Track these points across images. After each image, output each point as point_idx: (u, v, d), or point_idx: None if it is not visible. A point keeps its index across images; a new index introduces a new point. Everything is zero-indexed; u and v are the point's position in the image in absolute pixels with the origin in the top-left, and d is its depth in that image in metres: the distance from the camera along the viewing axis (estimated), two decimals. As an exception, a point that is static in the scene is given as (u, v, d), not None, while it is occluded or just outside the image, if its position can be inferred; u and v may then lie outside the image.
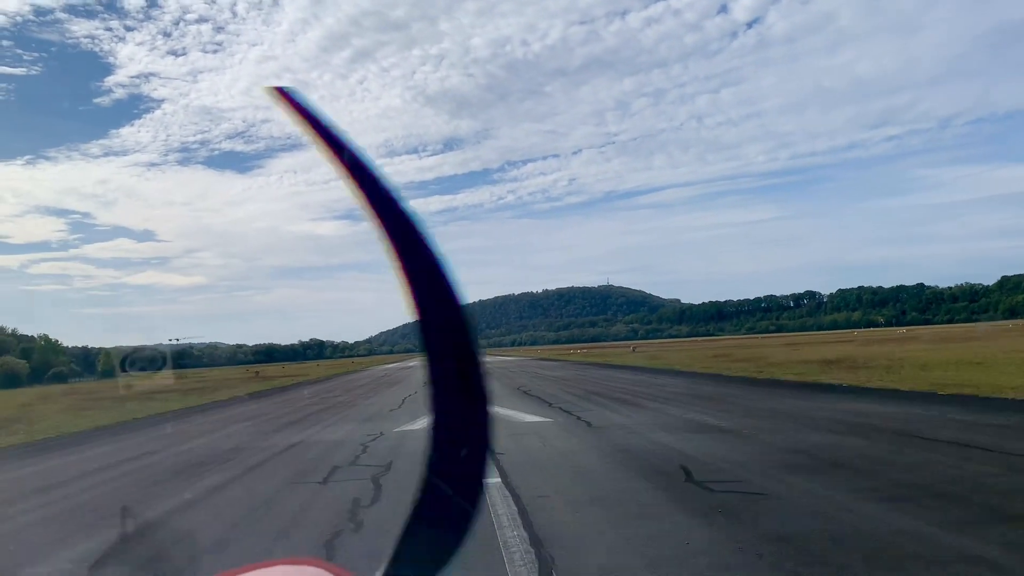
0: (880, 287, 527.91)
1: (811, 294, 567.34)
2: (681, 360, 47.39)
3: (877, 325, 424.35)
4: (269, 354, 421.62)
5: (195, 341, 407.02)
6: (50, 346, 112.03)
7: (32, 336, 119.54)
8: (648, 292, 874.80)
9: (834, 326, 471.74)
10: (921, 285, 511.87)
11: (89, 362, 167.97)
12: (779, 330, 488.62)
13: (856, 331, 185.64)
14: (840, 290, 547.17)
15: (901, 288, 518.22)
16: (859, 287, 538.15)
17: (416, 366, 72.37)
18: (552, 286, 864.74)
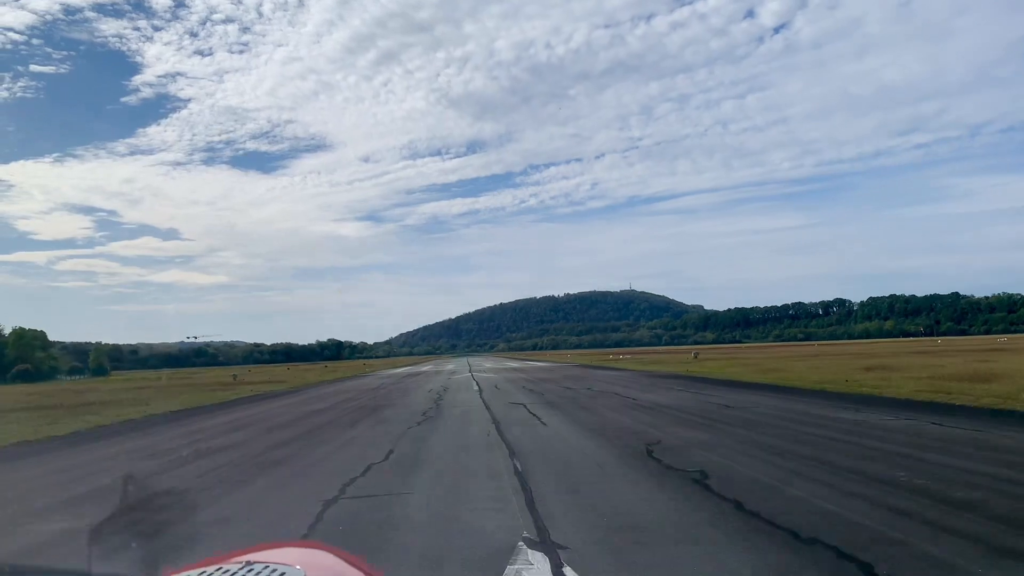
0: (913, 295, 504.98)
1: (841, 302, 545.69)
2: (817, 375, 30.58)
3: (912, 335, 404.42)
4: (287, 354, 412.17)
5: (213, 339, 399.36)
6: (23, 339, 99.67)
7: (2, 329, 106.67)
8: (671, 298, 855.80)
9: (865, 335, 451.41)
10: (956, 294, 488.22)
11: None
12: (808, 338, 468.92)
13: (910, 340, 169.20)
14: (871, 298, 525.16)
15: (935, 297, 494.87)
16: (891, 295, 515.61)
17: (430, 370, 60.32)
18: (574, 290, 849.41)
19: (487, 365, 67.94)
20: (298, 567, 1.11)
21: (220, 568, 1.07)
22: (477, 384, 34.49)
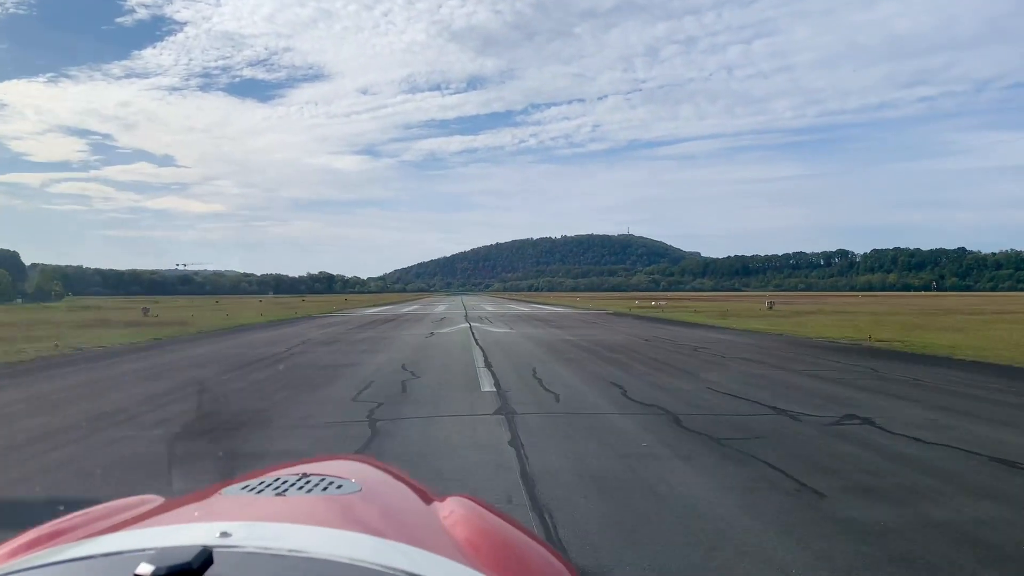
0: (918, 249, 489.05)
1: (843, 252, 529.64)
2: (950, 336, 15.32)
3: (915, 288, 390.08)
4: (276, 285, 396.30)
5: (199, 268, 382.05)
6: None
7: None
8: (668, 244, 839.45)
9: (868, 288, 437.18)
10: (962, 249, 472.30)
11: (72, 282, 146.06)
12: (808, 289, 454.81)
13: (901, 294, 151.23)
14: (875, 250, 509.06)
15: (940, 252, 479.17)
16: (895, 248, 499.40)
17: (411, 313, 43.07)
18: (571, 232, 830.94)
19: (488, 309, 50.41)
20: (353, 480, 1.13)
21: (278, 479, 1.10)
22: (486, 362, 14.98)
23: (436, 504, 1.15)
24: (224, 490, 1.06)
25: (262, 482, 1.09)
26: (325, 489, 1.07)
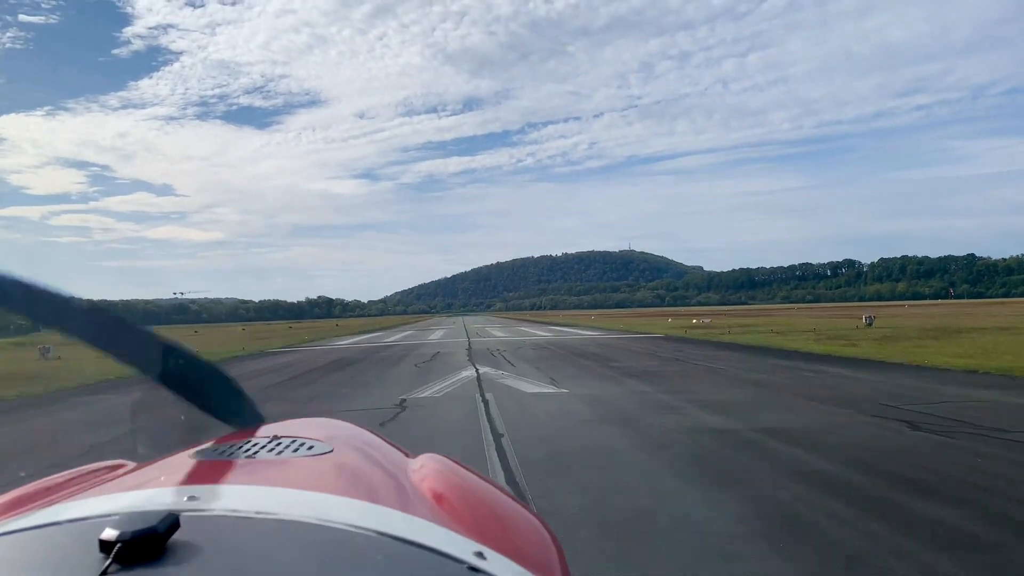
0: (926, 257, 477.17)
1: (850, 263, 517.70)
2: None
3: (925, 297, 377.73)
4: (274, 311, 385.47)
5: (197, 296, 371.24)
6: None
7: None
8: (670, 258, 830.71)
9: (878, 297, 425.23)
10: (972, 256, 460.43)
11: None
12: (816, 300, 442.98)
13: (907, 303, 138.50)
14: (882, 259, 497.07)
15: (950, 259, 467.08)
16: (903, 256, 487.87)
17: (399, 343, 31.43)
18: (572, 250, 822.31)
19: (498, 335, 38.55)
20: (325, 441, 1.09)
21: (248, 440, 1.06)
22: None
23: (409, 462, 1.11)
24: (193, 453, 1.01)
25: (232, 445, 1.04)
26: (296, 451, 1.03)
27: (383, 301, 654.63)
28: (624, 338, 31.33)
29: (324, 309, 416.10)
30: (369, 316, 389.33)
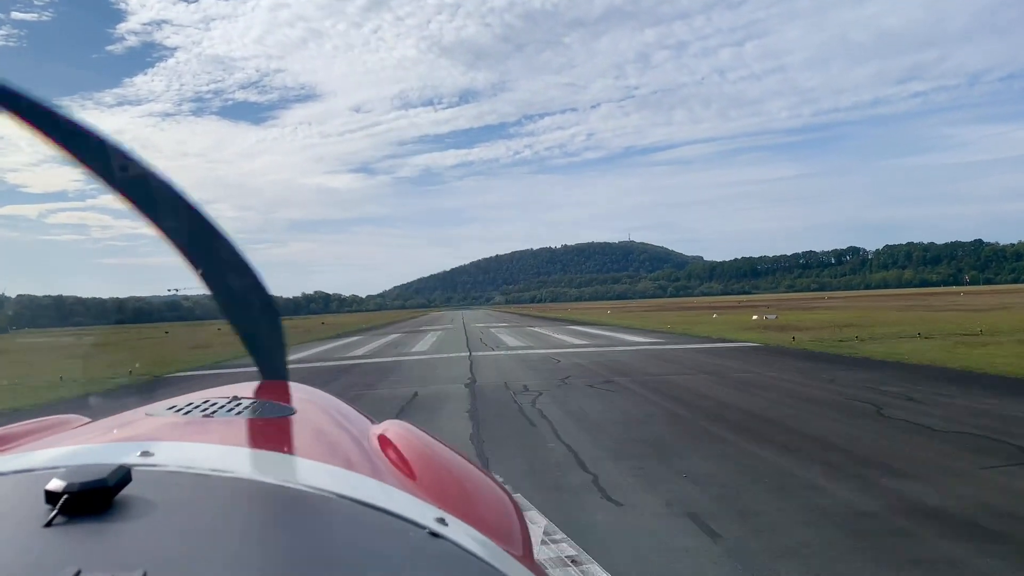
0: (932, 243, 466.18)
1: (855, 250, 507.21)
2: None
3: (933, 284, 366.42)
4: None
5: (191, 292, 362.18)
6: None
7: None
8: (670, 248, 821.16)
9: (883, 285, 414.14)
10: (979, 242, 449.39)
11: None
12: (821, 288, 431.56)
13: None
14: (887, 246, 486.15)
15: (956, 245, 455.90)
16: (908, 243, 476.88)
17: (377, 353, 21.02)
18: (571, 241, 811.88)
19: (510, 344, 26.79)
20: (286, 404, 1.08)
21: (207, 400, 1.03)
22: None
23: (372, 428, 1.08)
24: (148, 409, 0.98)
25: (190, 404, 1.01)
26: (256, 412, 1.00)
27: (381, 296, 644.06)
28: (690, 348, 20.40)
29: (321, 304, 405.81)
30: (366, 311, 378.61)
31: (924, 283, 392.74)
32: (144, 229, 1.07)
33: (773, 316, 39.55)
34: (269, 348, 1.28)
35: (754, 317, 39.47)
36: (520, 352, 21.56)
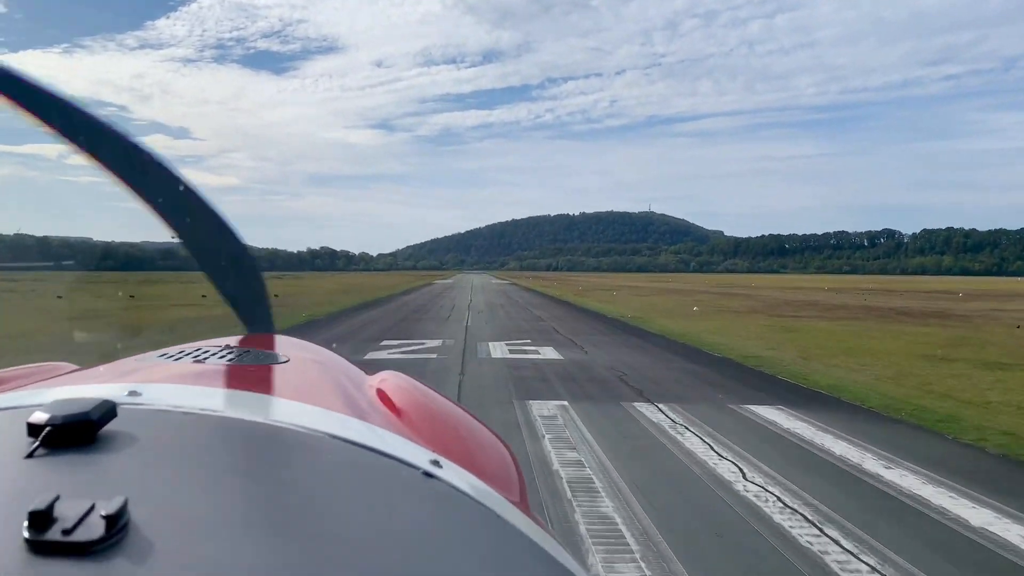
0: (974, 229, 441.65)
1: (890, 232, 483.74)
2: None
3: (974, 273, 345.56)
4: (271, 261, 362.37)
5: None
6: None
7: None
8: (691, 221, 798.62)
9: (921, 271, 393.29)
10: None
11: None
12: (853, 271, 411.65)
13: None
14: (925, 230, 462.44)
15: (1000, 232, 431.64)
16: (947, 228, 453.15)
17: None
18: (590, 209, 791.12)
19: (558, 361, 11.17)
20: (280, 354, 1.07)
21: (199, 348, 1.03)
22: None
23: (368, 378, 1.09)
24: (139, 357, 0.99)
25: (182, 351, 1.01)
26: (249, 359, 1.01)
27: (393, 255, 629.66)
28: None
29: (327, 261, 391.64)
30: (375, 271, 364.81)
31: (964, 271, 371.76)
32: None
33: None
34: (252, 301, 1.29)
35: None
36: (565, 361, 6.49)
